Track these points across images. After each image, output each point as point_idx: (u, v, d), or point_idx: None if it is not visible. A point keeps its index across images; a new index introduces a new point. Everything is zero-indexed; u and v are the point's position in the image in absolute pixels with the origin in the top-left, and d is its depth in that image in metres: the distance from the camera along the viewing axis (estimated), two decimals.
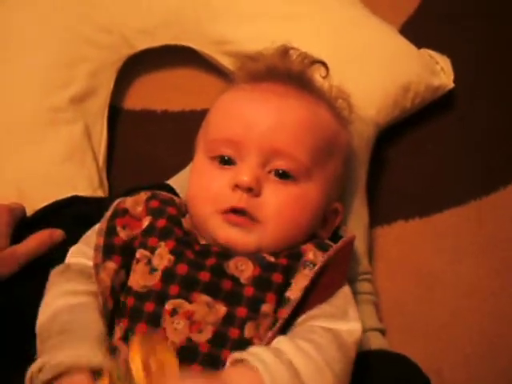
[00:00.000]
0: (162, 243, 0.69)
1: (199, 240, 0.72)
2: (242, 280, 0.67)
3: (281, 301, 0.66)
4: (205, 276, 0.67)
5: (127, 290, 0.68)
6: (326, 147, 0.74)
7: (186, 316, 0.65)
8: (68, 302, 0.66)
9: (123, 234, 0.71)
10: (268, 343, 0.64)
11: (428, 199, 0.97)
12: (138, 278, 0.68)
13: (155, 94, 1.05)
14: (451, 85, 1.00)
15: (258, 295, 0.66)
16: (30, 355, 0.63)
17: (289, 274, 0.68)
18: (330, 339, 0.64)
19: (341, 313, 0.68)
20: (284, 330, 0.66)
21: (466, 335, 0.87)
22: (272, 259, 0.69)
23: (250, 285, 0.67)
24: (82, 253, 0.71)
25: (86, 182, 0.90)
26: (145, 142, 1.01)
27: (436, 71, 0.99)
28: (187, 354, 0.63)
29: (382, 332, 0.82)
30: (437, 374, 0.79)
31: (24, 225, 0.80)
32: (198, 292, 0.66)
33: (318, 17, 0.98)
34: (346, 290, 0.70)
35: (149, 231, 0.71)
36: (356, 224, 0.85)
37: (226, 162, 0.71)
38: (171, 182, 0.85)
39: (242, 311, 0.65)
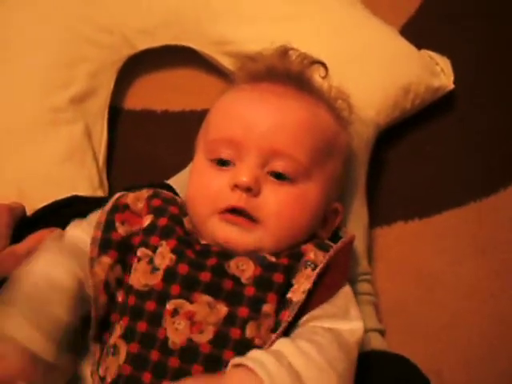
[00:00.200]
0: (164, 242, 0.69)
1: (200, 240, 0.71)
2: (243, 280, 0.67)
3: (282, 301, 0.66)
4: (206, 276, 0.67)
5: (128, 289, 0.68)
6: (326, 148, 0.74)
7: (186, 316, 0.65)
8: (50, 275, 0.66)
9: (122, 230, 0.71)
10: (271, 346, 0.63)
11: (428, 200, 0.97)
12: (140, 277, 0.68)
13: (155, 94, 1.05)
14: (451, 86, 1.00)
15: (259, 295, 0.66)
16: None
17: (290, 273, 0.68)
18: (331, 339, 0.63)
19: (342, 312, 0.68)
20: (286, 330, 0.65)
21: (466, 337, 0.87)
22: (273, 259, 0.69)
23: (250, 285, 0.66)
24: (81, 229, 0.72)
25: (86, 181, 0.90)
26: (145, 142, 1.01)
27: (436, 72, 0.99)
28: (188, 355, 0.63)
29: (382, 333, 0.82)
30: (437, 375, 0.79)
31: (24, 224, 0.80)
32: (199, 292, 0.66)
33: (318, 17, 0.99)
34: (346, 289, 0.70)
35: (150, 230, 0.70)
36: (355, 224, 0.85)
37: (224, 163, 0.72)
38: (171, 181, 0.85)
39: (243, 311, 0.65)
